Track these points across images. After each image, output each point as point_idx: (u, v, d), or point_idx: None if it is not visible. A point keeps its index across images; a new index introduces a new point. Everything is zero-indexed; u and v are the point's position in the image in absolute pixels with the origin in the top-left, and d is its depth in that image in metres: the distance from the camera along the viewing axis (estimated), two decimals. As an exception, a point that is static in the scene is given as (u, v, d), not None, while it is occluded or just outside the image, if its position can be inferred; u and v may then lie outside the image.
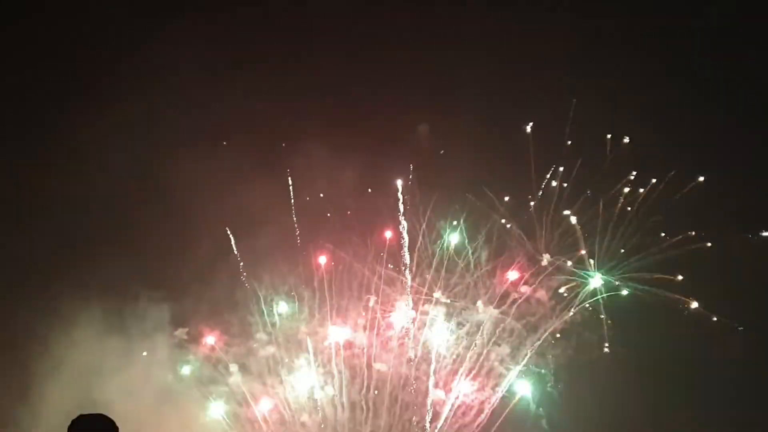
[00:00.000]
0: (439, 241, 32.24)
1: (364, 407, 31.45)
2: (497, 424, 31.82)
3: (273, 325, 30.52)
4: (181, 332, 28.98)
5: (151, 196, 29.72)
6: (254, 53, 31.88)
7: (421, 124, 33.15)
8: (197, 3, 32.83)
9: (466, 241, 32.07)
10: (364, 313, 31.56)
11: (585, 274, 32.06)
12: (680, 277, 30.66)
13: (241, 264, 29.88)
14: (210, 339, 29.80)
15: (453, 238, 32.50)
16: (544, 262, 32.44)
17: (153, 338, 28.76)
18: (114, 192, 29.60)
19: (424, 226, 32.24)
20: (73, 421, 6.58)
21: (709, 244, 30.26)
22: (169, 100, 29.48)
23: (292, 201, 31.41)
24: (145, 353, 28.62)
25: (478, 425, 32.06)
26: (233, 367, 29.72)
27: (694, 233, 30.46)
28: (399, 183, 32.64)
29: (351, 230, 31.91)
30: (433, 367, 31.56)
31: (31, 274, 28.37)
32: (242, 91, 30.82)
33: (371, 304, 31.67)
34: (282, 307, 31.03)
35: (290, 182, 31.35)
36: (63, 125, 29.40)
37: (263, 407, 30.35)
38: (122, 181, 29.79)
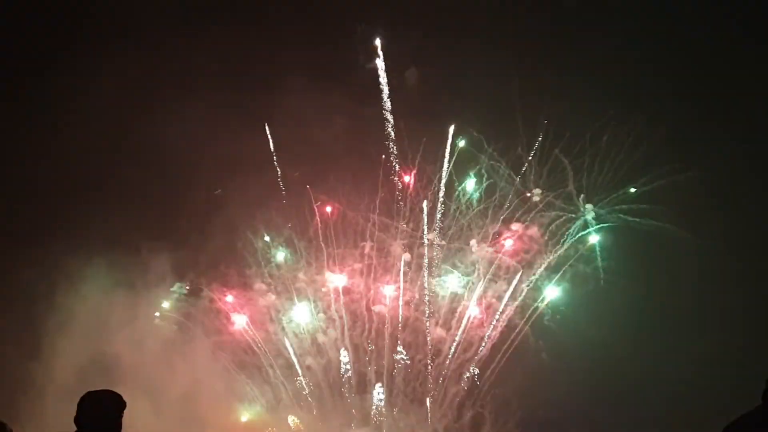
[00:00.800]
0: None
1: (367, 349, 32.54)
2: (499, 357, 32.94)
3: (271, 275, 31.46)
4: (178, 287, 29.78)
5: (139, 147, 30.13)
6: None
7: (409, 69, 33.23)
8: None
9: (456, 183, 32.63)
10: (360, 259, 32.37)
11: (576, 207, 32.57)
12: (668, 208, 31.10)
13: (235, 214, 30.42)
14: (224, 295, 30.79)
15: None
16: (536, 198, 32.88)
17: (157, 290, 29.66)
18: (101, 144, 30.01)
19: (414, 171, 32.76)
20: (81, 398, 6.76)
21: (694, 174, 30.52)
22: (154, 46, 29.66)
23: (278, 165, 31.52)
24: (166, 305, 29.41)
25: (479, 360, 33.10)
26: (234, 317, 30.81)
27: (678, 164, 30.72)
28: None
29: (342, 177, 32.41)
30: (427, 310, 32.42)
31: (29, 231, 29.10)
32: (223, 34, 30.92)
33: (367, 250, 32.48)
34: (279, 256, 31.80)
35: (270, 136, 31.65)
36: (47, 76, 29.57)
37: (268, 353, 31.53)
38: (109, 132, 30.17)
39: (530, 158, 32.01)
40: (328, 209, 32.28)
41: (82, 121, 29.23)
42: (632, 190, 31.57)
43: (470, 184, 33.02)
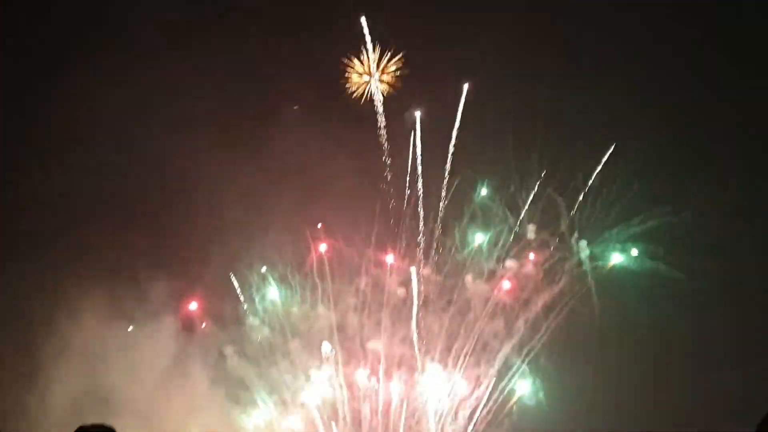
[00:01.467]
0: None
1: (361, 387, 32.46)
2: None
3: (265, 310, 31.71)
4: (172, 321, 30.05)
5: (142, 178, 30.78)
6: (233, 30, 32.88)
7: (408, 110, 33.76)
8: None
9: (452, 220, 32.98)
10: (355, 295, 32.58)
11: (569, 246, 32.76)
12: (662, 248, 31.28)
13: (232, 247, 30.87)
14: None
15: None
16: (531, 235, 33.09)
17: (153, 322, 29.94)
18: (106, 176, 30.72)
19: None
20: None
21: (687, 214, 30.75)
22: (154, 80, 30.43)
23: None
24: (130, 328, 29.67)
25: (476, 398, 32.92)
26: (228, 351, 30.98)
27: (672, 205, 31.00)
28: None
29: (340, 214, 32.83)
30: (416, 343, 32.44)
31: (30, 259, 29.63)
32: (226, 68, 31.73)
33: (362, 286, 32.72)
34: (274, 293, 32.11)
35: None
36: (47, 104, 30.41)
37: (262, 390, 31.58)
38: (114, 165, 30.89)
39: (524, 196, 32.46)
40: (323, 247, 32.62)
41: (83, 148, 30.11)
42: (625, 229, 31.85)
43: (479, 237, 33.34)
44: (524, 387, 32.90)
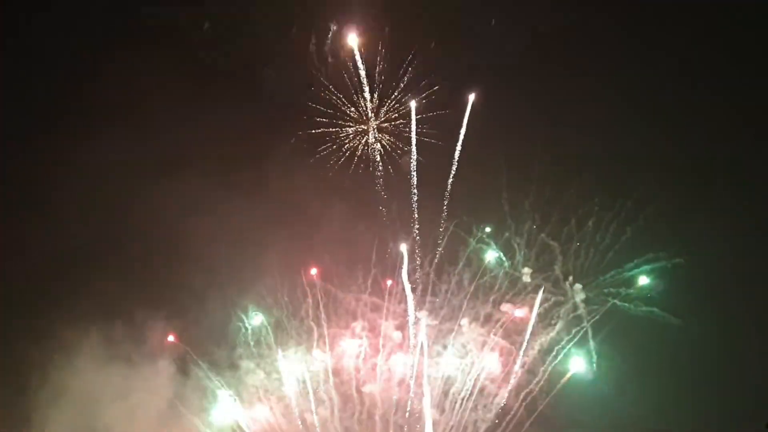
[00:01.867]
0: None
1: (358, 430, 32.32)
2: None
3: (261, 355, 31.80)
4: (165, 364, 30.15)
5: (140, 223, 31.19)
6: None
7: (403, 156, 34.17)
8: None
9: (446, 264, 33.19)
10: (351, 339, 32.64)
11: (564, 290, 32.85)
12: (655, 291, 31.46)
13: (228, 292, 31.12)
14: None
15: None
16: (527, 278, 33.18)
17: (149, 367, 30.04)
18: (104, 220, 31.20)
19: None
20: None
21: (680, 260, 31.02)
22: (154, 125, 31.19)
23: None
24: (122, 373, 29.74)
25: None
26: (222, 395, 31.02)
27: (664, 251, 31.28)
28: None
29: (338, 259, 33.11)
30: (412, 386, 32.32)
31: (26, 303, 29.92)
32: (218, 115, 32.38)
33: (358, 330, 32.81)
34: (269, 337, 32.22)
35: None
36: (47, 149, 31.09)
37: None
38: (108, 206, 31.44)
39: (519, 241, 32.73)
40: (314, 271, 32.85)
41: (81, 194, 30.66)
42: (619, 273, 32.06)
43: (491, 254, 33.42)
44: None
